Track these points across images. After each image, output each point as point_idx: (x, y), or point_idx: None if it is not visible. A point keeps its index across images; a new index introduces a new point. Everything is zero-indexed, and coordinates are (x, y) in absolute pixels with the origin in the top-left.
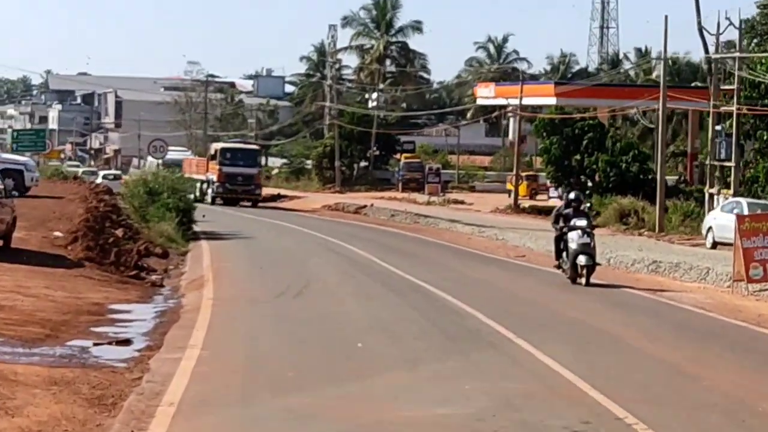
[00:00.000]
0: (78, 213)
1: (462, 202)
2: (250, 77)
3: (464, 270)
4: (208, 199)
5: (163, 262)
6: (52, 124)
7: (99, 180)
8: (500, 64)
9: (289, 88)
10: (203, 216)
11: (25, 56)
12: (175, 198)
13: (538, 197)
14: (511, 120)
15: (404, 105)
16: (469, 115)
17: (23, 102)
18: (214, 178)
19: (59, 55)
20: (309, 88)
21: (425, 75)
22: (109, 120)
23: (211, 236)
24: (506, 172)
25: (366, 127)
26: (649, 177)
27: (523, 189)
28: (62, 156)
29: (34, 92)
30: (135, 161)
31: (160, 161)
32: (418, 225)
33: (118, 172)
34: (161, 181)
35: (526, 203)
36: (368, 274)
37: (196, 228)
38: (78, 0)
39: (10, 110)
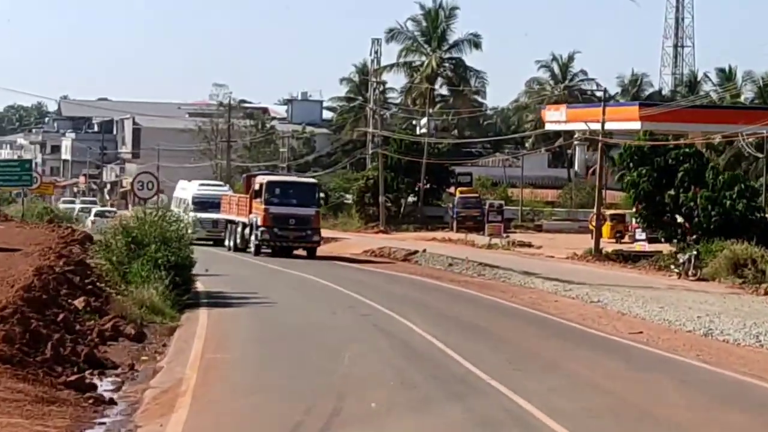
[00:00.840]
0: (25, 276)
1: (529, 245)
2: (284, 103)
3: (583, 370)
4: (251, 248)
5: (135, 349)
6: (65, 154)
7: (90, 219)
8: (566, 84)
9: (327, 114)
10: (206, 270)
11: (40, 81)
12: (166, 251)
13: (624, 240)
14: (578, 149)
15: (455, 132)
16: (529, 143)
17: (34, 130)
18: (259, 220)
19: (76, 81)
20: (350, 113)
21: (479, 99)
22: (126, 149)
23: (216, 299)
24: (578, 209)
25: (414, 156)
26: (759, 216)
27: (606, 230)
28: (76, 190)
29: (47, 120)
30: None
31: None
32: (485, 279)
33: (113, 209)
34: (148, 229)
35: (608, 247)
36: (439, 379)
37: (199, 286)
38: (97, 20)
39: (20, 139)
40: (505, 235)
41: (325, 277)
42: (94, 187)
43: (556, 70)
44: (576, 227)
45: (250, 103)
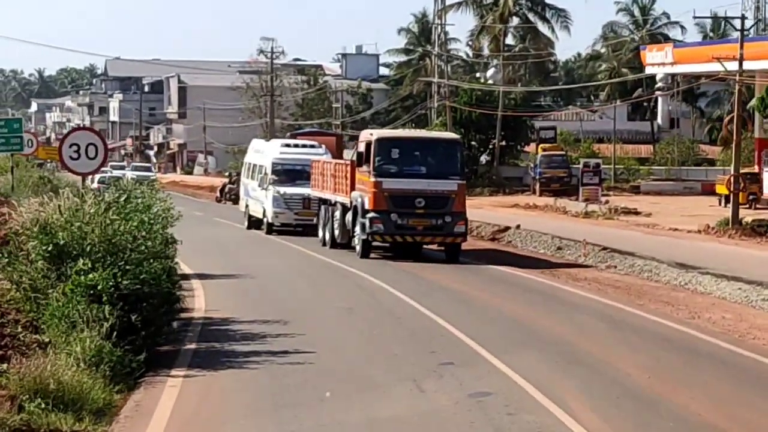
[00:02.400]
0: None
1: (636, 213)
2: (337, 61)
3: None
4: (356, 244)
5: None
6: (113, 116)
7: (94, 185)
8: (647, 29)
9: (383, 71)
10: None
11: (92, 42)
12: (112, 269)
13: (760, 206)
14: (660, 99)
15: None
16: (603, 95)
17: (81, 92)
18: (367, 202)
19: (127, 41)
20: (408, 66)
21: (549, 49)
22: (172, 109)
23: (217, 348)
24: (681, 167)
25: (488, 109)
26: None
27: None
28: (123, 152)
29: (95, 81)
30: (201, 157)
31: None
32: (619, 273)
33: (119, 169)
34: (83, 229)
35: (746, 215)
36: None
37: (197, 303)
38: None
39: (68, 102)
40: (603, 200)
41: (381, 274)
42: (142, 149)
43: (637, 12)
44: (680, 188)
45: (303, 61)
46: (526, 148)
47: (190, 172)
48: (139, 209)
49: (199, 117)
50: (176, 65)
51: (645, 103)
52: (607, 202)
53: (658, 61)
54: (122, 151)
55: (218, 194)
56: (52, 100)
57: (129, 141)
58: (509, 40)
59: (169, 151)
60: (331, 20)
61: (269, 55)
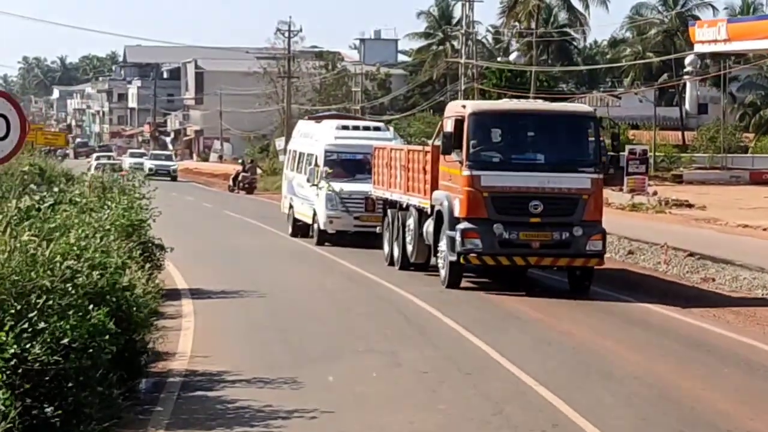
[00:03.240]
0: None
1: (689, 205)
2: (355, 48)
3: None
4: (441, 266)
5: None
6: (132, 102)
7: (92, 171)
8: (677, 11)
9: (401, 57)
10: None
11: (112, 28)
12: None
13: None
14: (689, 84)
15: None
16: (627, 80)
17: (101, 78)
18: (457, 206)
19: (146, 28)
20: (428, 51)
21: (573, 32)
22: (189, 95)
23: None
24: (726, 155)
25: (520, 91)
26: None
27: None
28: (141, 139)
29: (114, 68)
30: (216, 144)
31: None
32: (723, 288)
33: (110, 155)
34: None
35: None
36: None
37: (178, 346)
38: None
39: (88, 88)
40: (651, 190)
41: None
42: (158, 135)
43: None
44: (726, 177)
45: (321, 48)
46: None
47: (206, 159)
48: (74, 223)
49: (216, 103)
50: (193, 51)
51: (672, 89)
52: (655, 193)
53: (709, 38)
54: (139, 138)
55: (231, 183)
56: (73, 87)
57: (147, 127)
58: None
59: (185, 138)
60: (350, 6)
61: (287, 35)
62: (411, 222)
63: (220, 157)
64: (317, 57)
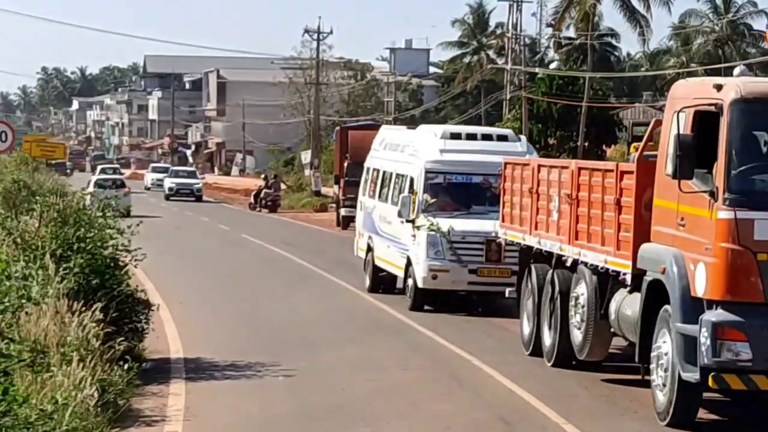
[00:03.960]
0: None
1: None
2: (383, 59)
3: None
4: (658, 387)
5: None
6: (152, 114)
7: (90, 188)
8: (729, 18)
9: (432, 69)
10: None
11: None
12: None
13: None
14: None
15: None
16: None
17: (120, 89)
18: (703, 274)
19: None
20: (461, 60)
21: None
22: (211, 106)
23: None
24: None
25: (569, 102)
26: None
27: None
28: (161, 152)
29: (134, 78)
30: (238, 157)
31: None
32: None
33: (114, 168)
34: None
35: None
36: None
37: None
38: None
39: (107, 99)
40: None
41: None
42: (177, 148)
43: (719, 1)
44: None
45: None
46: (607, 148)
47: (228, 173)
48: None
49: (239, 114)
50: (215, 61)
51: None
52: None
53: None
54: (159, 151)
55: (252, 200)
56: (93, 98)
57: (166, 140)
58: (570, 32)
59: (206, 151)
60: (378, 16)
61: (314, 38)
62: (582, 292)
63: (241, 171)
64: (345, 67)
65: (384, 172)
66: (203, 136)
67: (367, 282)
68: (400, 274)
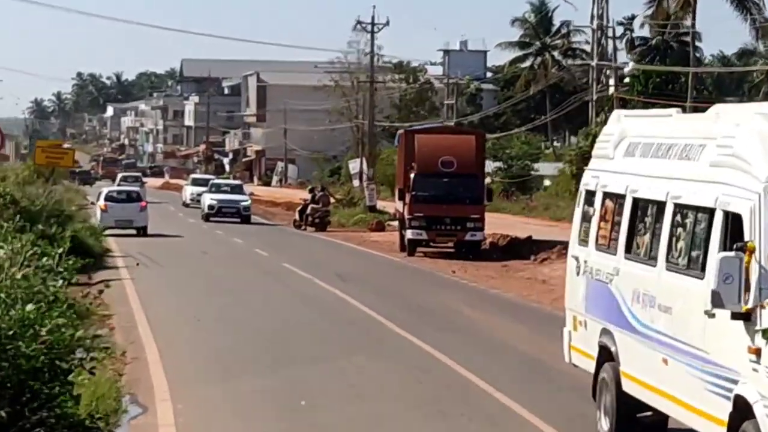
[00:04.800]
0: None
1: None
2: (433, 63)
3: None
4: None
5: None
6: (188, 120)
7: (99, 204)
8: None
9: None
10: None
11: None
12: None
13: None
14: None
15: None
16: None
17: (155, 95)
18: None
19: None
20: (522, 62)
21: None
22: (250, 111)
23: None
24: None
25: (672, 103)
26: None
27: None
28: (196, 160)
29: (170, 83)
30: (279, 166)
31: None
32: None
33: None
34: None
35: None
36: None
37: None
38: None
39: (142, 105)
40: None
41: None
42: (211, 155)
43: None
44: None
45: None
46: None
47: (269, 183)
48: None
49: (280, 120)
50: (254, 65)
51: None
52: None
53: None
54: (194, 159)
55: (296, 217)
56: (127, 104)
57: (202, 147)
58: (645, 31)
59: (245, 159)
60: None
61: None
62: None
63: (280, 181)
64: (396, 69)
65: (640, 202)
66: (242, 144)
67: (602, 420)
68: (707, 428)
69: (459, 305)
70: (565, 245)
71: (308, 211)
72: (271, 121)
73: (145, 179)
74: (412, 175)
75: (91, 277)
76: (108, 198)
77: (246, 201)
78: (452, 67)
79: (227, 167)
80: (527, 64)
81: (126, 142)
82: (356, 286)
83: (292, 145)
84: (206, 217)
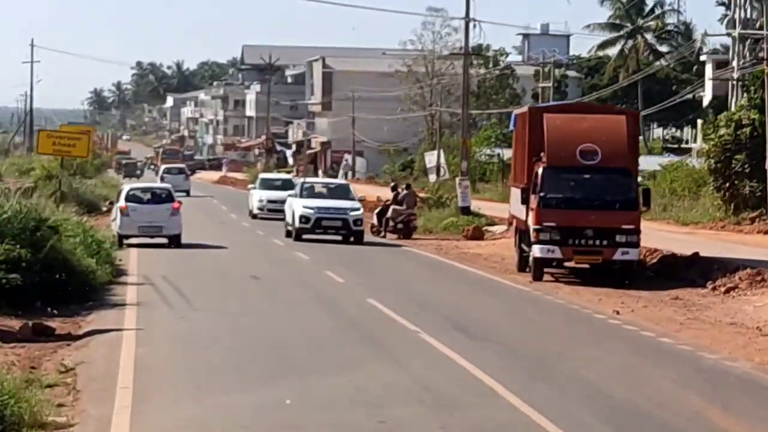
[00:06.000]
0: None
1: None
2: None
3: None
4: None
5: None
6: (249, 110)
7: (116, 207)
8: None
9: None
10: None
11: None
12: None
13: None
14: None
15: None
16: None
17: (215, 84)
18: None
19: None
20: (613, 46)
21: None
22: (315, 100)
23: None
24: None
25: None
26: None
27: None
28: (258, 152)
29: (231, 71)
30: (347, 158)
31: None
32: None
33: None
34: None
35: None
36: None
37: None
38: None
39: (201, 95)
40: None
41: None
42: (272, 147)
43: None
44: None
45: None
46: None
47: (335, 176)
48: None
49: (348, 109)
50: (319, 51)
51: None
52: None
53: None
54: (255, 151)
55: (375, 221)
56: (187, 94)
57: (264, 138)
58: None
59: (309, 151)
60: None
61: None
62: None
63: (346, 175)
64: (474, 54)
65: None
66: (305, 135)
67: None
68: None
69: (688, 394)
70: (754, 266)
71: (389, 213)
72: (338, 111)
73: (201, 172)
74: (539, 170)
75: (81, 325)
76: (130, 197)
77: (357, 210)
78: (532, 52)
79: (290, 160)
80: (616, 49)
81: (185, 133)
82: (491, 347)
83: (360, 135)
84: (298, 235)
